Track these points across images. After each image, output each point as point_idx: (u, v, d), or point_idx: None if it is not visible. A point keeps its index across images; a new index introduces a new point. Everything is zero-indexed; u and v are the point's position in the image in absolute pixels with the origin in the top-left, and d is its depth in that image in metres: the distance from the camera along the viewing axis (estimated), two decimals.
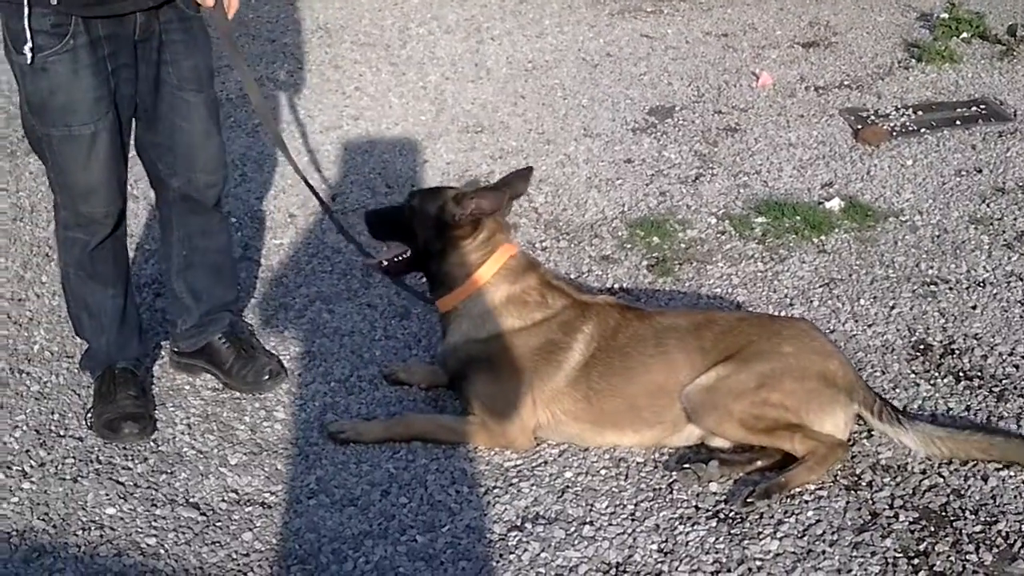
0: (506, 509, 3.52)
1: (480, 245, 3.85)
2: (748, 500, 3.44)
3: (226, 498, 3.61)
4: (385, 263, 4.03)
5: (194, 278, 4.10)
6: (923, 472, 3.57)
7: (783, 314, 4.50)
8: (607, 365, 3.73)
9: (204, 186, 3.92)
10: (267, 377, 4.16)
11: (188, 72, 3.73)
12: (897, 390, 4.01)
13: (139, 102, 3.72)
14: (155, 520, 3.50)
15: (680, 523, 3.42)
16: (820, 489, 3.50)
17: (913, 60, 7.32)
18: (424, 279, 4.11)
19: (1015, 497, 3.44)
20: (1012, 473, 3.52)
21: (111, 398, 3.92)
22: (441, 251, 3.87)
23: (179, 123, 3.78)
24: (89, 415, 3.95)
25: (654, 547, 3.33)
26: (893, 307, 4.55)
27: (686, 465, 3.61)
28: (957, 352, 4.23)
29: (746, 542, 3.32)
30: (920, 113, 6.48)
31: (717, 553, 3.29)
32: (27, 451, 3.80)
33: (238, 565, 3.33)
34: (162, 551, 3.38)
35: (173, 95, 3.73)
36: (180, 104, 3.75)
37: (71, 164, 3.59)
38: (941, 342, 4.30)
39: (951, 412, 3.88)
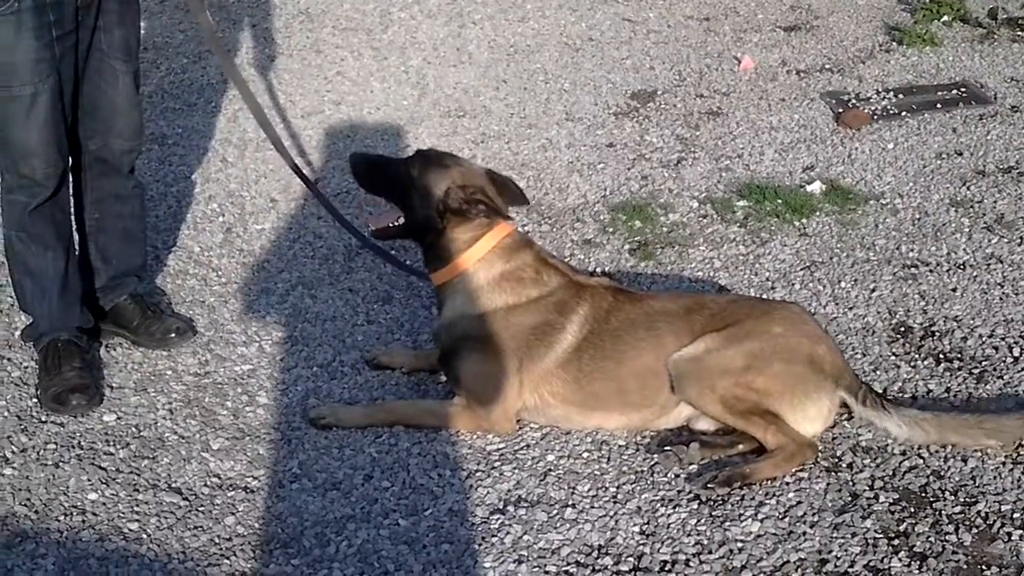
0: (488, 492, 3.52)
1: (478, 225, 3.79)
2: (708, 485, 3.45)
3: (208, 483, 3.61)
4: (377, 229, 3.97)
5: (105, 242, 4.23)
6: (903, 453, 3.59)
7: (764, 297, 4.50)
8: (598, 348, 3.72)
9: (120, 151, 4.09)
10: (174, 335, 4.28)
11: (119, 41, 3.93)
12: (878, 372, 4.02)
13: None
14: (137, 505, 3.50)
15: (662, 505, 3.43)
16: (801, 471, 3.51)
17: (894, 43, 7.33)
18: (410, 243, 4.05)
19: (994, 478, 3.46)
20: (991, 454, 3.54)
21: (56, 371, 3.96)
22: (439, 227, 3.80)
23: (104, 88, 3.95)
24: (37, 390, 3.98)
25: (636, 529, 3.34)
26: (874, 290, 4.57)
27: (667, 448, 3.63)
28: (937, 334, 4.25)
29: (727, 524, 3.33)
30: (901, 96, 6.49)
31: (698, 535, 3.30)
32: (8, 437, 3.79)
33: (220, 549, 3.32)
34: (144, 536, 3.37)
35: (102, 61, 3.91)
36: (107, 70, 3.93)
37: (11, 124, 3.73)
38: (921, 324, 4.32)
39: (931, 394, 3.89)
